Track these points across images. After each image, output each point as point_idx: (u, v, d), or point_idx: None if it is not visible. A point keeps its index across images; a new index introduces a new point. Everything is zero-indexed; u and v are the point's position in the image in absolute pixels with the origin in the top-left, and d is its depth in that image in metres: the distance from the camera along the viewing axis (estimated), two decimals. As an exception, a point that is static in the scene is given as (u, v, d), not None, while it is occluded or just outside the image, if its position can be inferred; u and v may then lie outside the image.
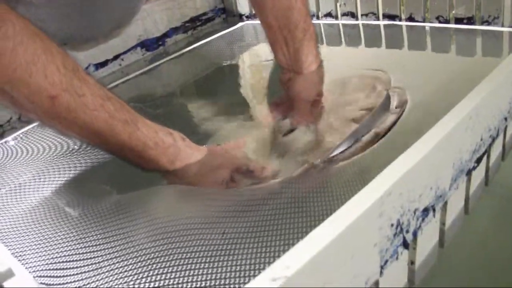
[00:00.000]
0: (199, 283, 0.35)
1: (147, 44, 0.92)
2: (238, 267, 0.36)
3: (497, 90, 0.41)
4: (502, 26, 0.72)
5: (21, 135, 0.69)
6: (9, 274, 0.32)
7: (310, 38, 0.61)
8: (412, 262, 0.36)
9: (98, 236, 0.42)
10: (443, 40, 0.74)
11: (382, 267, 0.32)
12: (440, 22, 0.78)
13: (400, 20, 0.83)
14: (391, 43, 0.78)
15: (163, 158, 0.47)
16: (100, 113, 0.44)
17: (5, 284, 0.32)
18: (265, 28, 0.63)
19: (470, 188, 0.43)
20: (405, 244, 0.34)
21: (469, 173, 0.41)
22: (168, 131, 0.48)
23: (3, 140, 0.69)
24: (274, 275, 0.24)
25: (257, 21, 0.95)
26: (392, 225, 0.32)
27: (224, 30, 0.96)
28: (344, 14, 0.90)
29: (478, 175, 0.44)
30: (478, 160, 0.42)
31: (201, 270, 0.36)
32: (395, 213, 0.31)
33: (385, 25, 0.84)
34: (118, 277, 0.37)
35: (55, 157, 0.60)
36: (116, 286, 0.36)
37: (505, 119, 0.46)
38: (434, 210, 0.36)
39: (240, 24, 0.99)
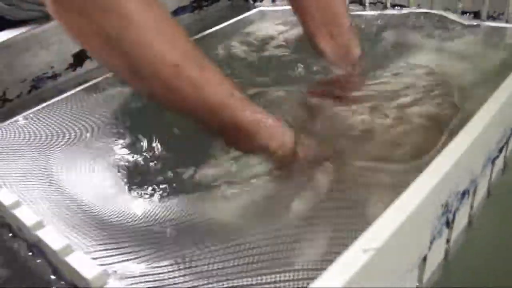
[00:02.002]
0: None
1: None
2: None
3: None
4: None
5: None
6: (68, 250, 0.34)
7: (354, 28, 0.63)
8: (448, 240, 0.40)
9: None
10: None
11: (431, 243, 0.36)
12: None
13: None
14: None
15: (273, 142, 0.48)
16: (220, 89, 0.46)
17: (67, 259, 0.33)
18: (304, 18, 0.64)
19: (492, 175, 0.47)
20: (448, 223, 0.38)
21: (493, 161, 0.45)
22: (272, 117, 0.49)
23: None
24: (364, 246, 0.27)
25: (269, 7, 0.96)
26: (442, 205, 0.35)
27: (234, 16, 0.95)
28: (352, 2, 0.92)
29: (499, 164, 0.49)
30: (500, 150, 0.46)
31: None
32: (445, 194, 0.35)
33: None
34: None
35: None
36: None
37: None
38: (468, 193, 0.41)
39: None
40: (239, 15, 0.89)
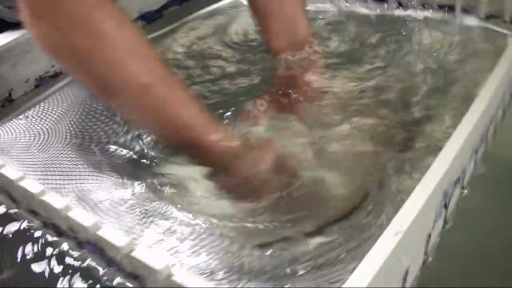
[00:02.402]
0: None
1: (146, 17, 0.95)
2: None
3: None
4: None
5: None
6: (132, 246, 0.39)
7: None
8: (445, 220, 0.47)
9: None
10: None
11: (434, 222, 0.43)
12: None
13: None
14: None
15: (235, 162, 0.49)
16: (184, 110, 0.48)
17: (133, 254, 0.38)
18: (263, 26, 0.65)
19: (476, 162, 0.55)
20: (446, 206, 0.45)
21: (477, 152, 0.53)
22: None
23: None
24: (396, 230, 0.34)
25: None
26: (443, 191, 0.42)
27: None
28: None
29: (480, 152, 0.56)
30: (482, 140, 0.54)
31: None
32: (447, 183, 0.42)
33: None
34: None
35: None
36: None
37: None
38: (460, 181, 0.48)
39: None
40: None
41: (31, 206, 0.47)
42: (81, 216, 0.41)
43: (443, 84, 0.62)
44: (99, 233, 0.39)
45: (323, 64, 0.65)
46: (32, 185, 0.46)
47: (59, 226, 0.45)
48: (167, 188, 0.49)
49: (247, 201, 0.48)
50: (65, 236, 0.45)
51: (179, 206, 0.46)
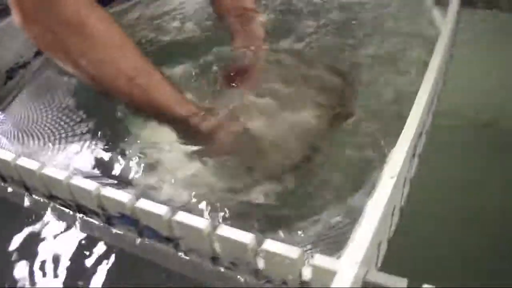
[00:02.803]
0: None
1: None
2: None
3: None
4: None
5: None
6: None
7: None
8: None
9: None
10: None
11: (401, 197, 0.52)
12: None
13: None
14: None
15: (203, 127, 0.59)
16: (163, 92, 0.57)
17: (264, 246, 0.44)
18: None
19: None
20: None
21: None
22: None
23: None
24: (390, 174, 0.43)
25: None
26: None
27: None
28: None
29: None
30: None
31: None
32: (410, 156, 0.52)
33: None
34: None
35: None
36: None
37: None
38: (414, 155, 0.58)
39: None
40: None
41: (56, 192, 0.51)
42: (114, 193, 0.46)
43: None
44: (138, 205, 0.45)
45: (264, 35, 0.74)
46: (55, 172, 0.50)
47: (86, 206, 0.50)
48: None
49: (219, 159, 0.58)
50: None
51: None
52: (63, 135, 0.65)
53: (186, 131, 0.59)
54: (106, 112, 0.65)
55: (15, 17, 0.50)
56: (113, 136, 0.64)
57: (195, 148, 0.60)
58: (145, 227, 0.47)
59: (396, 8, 0.86)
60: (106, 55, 0.52)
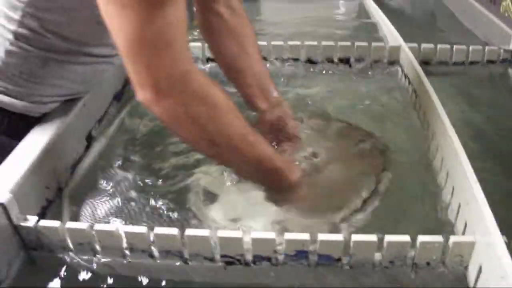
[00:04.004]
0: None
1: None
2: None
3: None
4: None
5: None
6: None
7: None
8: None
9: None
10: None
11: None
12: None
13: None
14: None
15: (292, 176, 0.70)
16: (264, 146, 0.68)
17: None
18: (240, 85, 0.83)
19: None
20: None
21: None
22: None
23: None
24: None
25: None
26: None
27: None
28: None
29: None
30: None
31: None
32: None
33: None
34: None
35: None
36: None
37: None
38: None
39: None
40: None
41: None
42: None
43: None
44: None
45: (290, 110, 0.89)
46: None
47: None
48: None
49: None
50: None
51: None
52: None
53: (278, 182, 0.70)
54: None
55: (144, 95, 0.57)
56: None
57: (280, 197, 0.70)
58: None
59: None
60: (227, 118, 0.62)
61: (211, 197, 0.72)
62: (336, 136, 0.87)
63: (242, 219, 0.67)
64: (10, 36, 0.68)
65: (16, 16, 0.67)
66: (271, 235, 0.58)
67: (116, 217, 0.68)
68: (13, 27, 0.67)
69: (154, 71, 0.55)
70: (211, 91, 0.61)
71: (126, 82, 1.03)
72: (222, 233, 0.58)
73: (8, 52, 0.69)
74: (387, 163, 0.79)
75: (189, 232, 0.58)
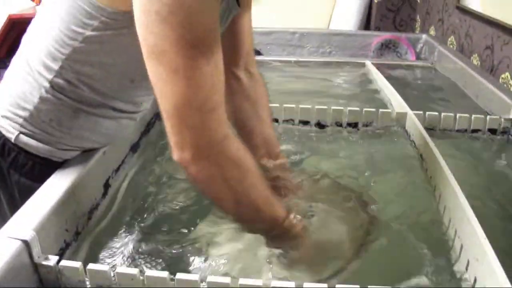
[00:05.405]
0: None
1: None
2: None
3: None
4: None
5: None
6: None
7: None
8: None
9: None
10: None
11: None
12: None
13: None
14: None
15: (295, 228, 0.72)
16: (275, 202, 0.71)
17: None
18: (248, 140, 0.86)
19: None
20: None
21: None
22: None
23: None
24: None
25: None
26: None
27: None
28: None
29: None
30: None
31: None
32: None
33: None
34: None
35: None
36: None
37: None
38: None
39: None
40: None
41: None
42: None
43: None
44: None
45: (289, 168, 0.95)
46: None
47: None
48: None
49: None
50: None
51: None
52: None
53: (284, 234, 0.72)
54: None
55: (182, 156, 0.59)
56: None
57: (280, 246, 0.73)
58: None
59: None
60: (255, 182, 0.66)
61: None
62: (326, 194, 0.91)
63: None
64: (46, 84, 0.72)
65: (55, 66, 0.71)
66: (259, 282, 0.59)
67: (130, 263, 0.69)
68: (50, 76, 0.72)
69: (198, 134, 0.58)
70: (245, 155, 0.65)
71: (142, 135, 1.08)
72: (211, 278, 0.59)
73: (42, 99, 0.73)
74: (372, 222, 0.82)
75: (210, 279, 0.59)
